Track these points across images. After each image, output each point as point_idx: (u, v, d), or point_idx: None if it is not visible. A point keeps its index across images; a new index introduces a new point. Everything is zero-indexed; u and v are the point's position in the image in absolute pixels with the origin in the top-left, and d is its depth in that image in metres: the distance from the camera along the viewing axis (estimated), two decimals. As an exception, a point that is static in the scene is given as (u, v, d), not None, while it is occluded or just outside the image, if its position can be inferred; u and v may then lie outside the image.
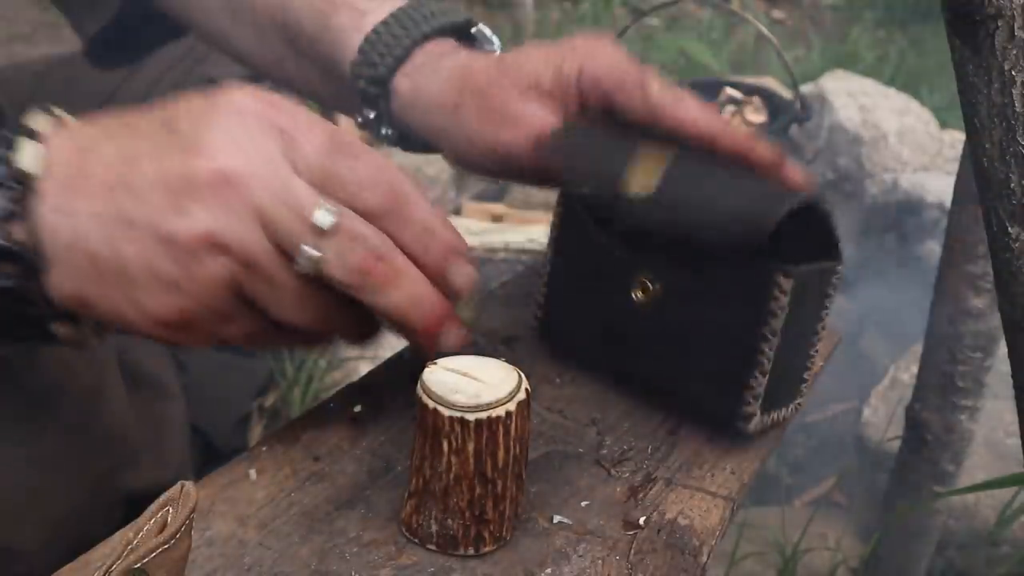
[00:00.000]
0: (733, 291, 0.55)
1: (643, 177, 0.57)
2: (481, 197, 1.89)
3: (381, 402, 0.67)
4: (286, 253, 0.46)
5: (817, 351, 0.61)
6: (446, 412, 0.47)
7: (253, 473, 0.59)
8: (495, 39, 0.72)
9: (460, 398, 0.47)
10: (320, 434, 0.63)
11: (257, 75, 0.80)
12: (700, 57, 2.41)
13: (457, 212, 1.74)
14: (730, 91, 1.64)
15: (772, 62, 2.06)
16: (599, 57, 0.63)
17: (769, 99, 1.62)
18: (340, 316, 0.50)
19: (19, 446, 0.70)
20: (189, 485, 0.42)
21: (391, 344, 1.04)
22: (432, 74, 0.66)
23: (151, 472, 0.83)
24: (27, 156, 0.45)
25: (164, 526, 0.41)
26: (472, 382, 0.47)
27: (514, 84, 0.63)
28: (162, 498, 0.42)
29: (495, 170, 0.68)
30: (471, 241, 1.59)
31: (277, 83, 0.77)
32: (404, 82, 0.67)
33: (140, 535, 0.41)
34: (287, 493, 0.58)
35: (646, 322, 0.60)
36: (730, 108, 1.61)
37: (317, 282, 0.47)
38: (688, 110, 0.59)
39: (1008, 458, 1.04)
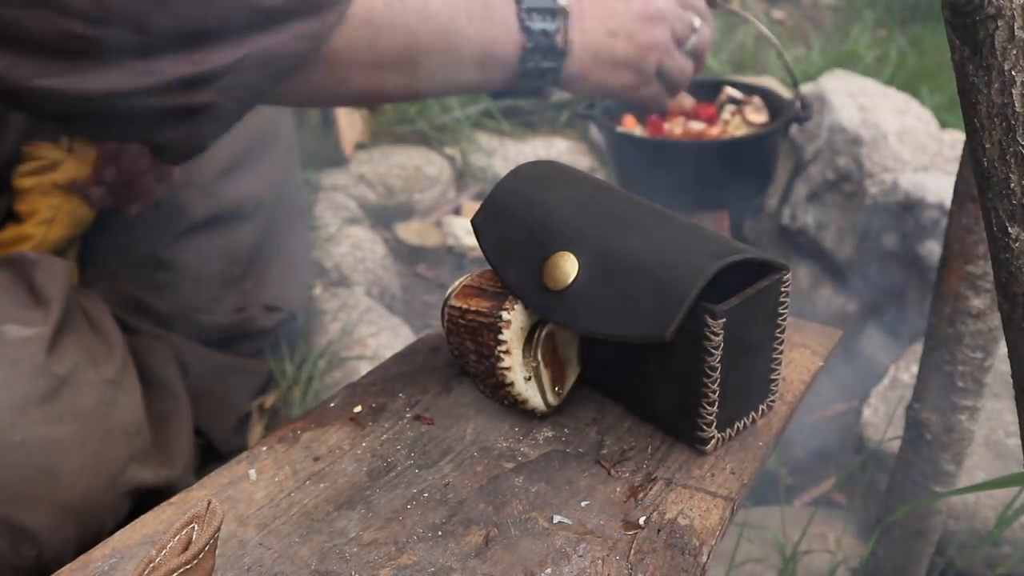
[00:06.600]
0: (675, 336, 0.56)
1: (557, 273, 0.60)
2: (481, 197, 1.89)
3: (381, 402, 0.67)
4: (680, 43, 0.98)
5: (782, 352, 0.62)
6: None
7: (253, 473, 0.59)
8: None
9: None
10: (320, 434, 0.63)
11: None
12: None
13: (457, 212, 1.74)
14: (730, 91, 1.64)
15: (772, 62, 2.06)
16: None
17: (769, 99, 1.62)
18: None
19: (40, 428, 0.71)
20: (216, 503, 0.41)
21: (391, 344, 1.04)
22: None
23: (158, 469, 0.84)
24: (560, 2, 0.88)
25: (188, 544, 0.40)
26: None
27: None
28: (188, 515, 0.40)
29: None
30: (472, 240, 1.59)
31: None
32: None
33: (163, 553, 0.39)
34: (287, 493, 0.58)
35: (615, 360, 0.65)
36: (730, 108, 1.61)
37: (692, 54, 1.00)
38: None
39: (1008, 458, 1.04)
